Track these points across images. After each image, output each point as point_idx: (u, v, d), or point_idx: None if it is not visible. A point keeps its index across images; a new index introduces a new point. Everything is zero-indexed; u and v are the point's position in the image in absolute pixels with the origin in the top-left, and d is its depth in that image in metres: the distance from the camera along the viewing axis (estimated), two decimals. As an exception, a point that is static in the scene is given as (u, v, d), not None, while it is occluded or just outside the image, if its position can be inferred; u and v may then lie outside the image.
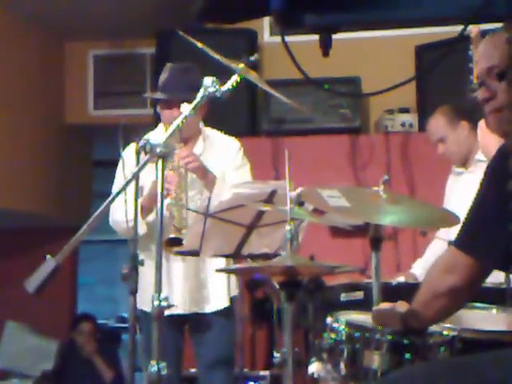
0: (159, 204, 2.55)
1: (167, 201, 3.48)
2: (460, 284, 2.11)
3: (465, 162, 4.23)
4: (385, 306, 2.41)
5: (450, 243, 2.19)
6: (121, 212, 3.36)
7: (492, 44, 2.13)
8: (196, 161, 3.60)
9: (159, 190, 2.55)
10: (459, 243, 2.12)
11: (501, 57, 2.04)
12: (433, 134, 4.30)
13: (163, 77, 3.74)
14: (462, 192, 4.06)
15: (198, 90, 3.55)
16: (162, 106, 3.74)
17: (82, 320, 6.95)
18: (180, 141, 3.57)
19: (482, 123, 2.84)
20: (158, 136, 2.60)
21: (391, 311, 2.32)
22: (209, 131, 3.86)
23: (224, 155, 3.79)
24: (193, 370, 4.15)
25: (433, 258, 4.30)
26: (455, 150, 4.22)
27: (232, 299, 3.79)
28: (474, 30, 2.78)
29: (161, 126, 3.81)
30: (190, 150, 3.71)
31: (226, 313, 3.76)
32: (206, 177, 3.64)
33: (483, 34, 2.68)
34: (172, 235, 3.45)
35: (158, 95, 3.74)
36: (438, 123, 4.26)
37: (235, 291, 3.79)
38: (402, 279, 4.18)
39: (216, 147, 3.81)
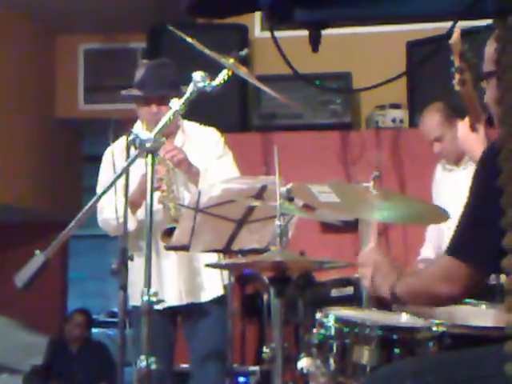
0: (149, 198, 2.55)
1: (158, 194, 3.48)
2: (457, 292, 2.08)
3: (459, 160, 4.22)
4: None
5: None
6: (109, 210, 3.35)
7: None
8: (181, 153, 3.60)
9: (149, 184, 2.55)
10: (453, 251, 2.09)
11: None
12: (429, 133, 4.25)
13: (139, 74, 3.73)
14: (453, 189, 4.06)
15: (174, 86, 3.58)
16: (140, 103, 3.72)
17: (76, 312, 6.98)
18: (162, 135, 3.58)
19: (462, 123, 2.85)
20: (144, 131, 2.59)
21: (381, 274, 2.27)
22: (187, 124, 3.86)
23: (205, 146, 3.79)
24: (185, 366, 4.15)
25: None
26: (452, 149, 4.19)
27: (225, 287, 3.79)
28: (454, 35, 2.79)
29: (139, 122, 3.80)
30: (172, 143, 3.70)
31: (220, 301, 3.76)
32: (190, 170, 3.63)
33: (469, 32, 2.70)
34: (169, 225, 3.44)
35: (135, 92, 3.72)
36: (434, 122, 4.21)
37: (227, 279, 3.79)
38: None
39: (196, 139, 3.81)
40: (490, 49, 2.15)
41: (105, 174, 3.75)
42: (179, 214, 3.45)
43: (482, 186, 2.02)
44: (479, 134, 2.74)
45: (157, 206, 3.40)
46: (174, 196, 3.53)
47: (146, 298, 2.49)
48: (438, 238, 4.29)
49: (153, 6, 6.23)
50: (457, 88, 2.77)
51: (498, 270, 2.21)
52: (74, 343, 6.77)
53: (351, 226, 4.43)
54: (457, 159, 4.21)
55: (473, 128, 2.76)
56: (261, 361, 3.85)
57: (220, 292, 3.78)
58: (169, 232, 3.42)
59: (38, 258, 2.23)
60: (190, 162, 3.63)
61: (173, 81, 3.65)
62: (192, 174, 3.64)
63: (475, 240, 2.05)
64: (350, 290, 4.25)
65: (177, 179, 3.61)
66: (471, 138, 2.76)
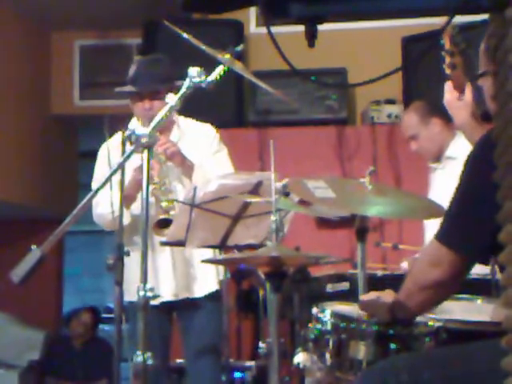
0: (144, 192, 2.55)
1: (150, 187, 3.48)
2: (444, 278, 2.11)
3: (438, 158, 4.25)
4: (372, 294, 2.42)
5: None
6: (104, 205, 3.35)
7: None
8: (174, 146, 3.61)
9: (144, 180, 2.55)
10: (441, 237, 2.11)
11: None
12: (405, 131, 4.33)
13: (132, 70, 3.74)
14: (434, 188, 4.10)
15: (167, 81, 3.59)
16: (133, 99, 3.73)
17: (85, 310, 6.96)
18: (158, 131, 3.58)
19: (447, 88, 2.81)
20: (140, 127, 2.60)
21: (378, 301, 2.33)
22: (182, 120, 3.86)
23: (200, 142, 3.79)
24: (180, 361, 4.15)
25: None
26: (427, 147, 4.23)
27: (221, 282, 3.79)
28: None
29: (135, 118, 3.80)
30: (167, 137, 3.70)
31: (215, 297, 3.76)
32: (183, 163, 3.64)
33: (464, 27, 2.68)
34: (161, 216, 3.44)
35: (129, 88, 3.73)
36: (411, 120, 4.28)
37: (222, 275, 3.79)
38: (405, 265, 4.19)
39: (191, 135, 3.81)
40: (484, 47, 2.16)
41: (100, 170, 3.75)
42: (171, 206, 3.45)
43: (474, 177, 2.03)
44: (465, 99, 2.71)
45: (149, 200, 3.40)
46: (166, 189, 3.53)
47: (142, 293, 2.49)
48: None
49: (148, 1, 6.22)
50: (447, 71, 2.73)
51: (484, 261, 2.23)
52: (77, 339, 6.77)
53: (347, 222, 4.41)
54: (435, 157, 4.24)
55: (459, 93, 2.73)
56: (257, 356, 3.85)
57: (215, 287, 3.78)
58: (160, 223, 3.43)
59: (35, 253, 2.23)
60: (184, 155, 3.63)
61: (165, 75, 3.65)
62: (186, 167, 3.64)
63: (461, 229, 2.08)
64: (345, 285, 4.25)
65: (170, 173, 3.61)
66: (457, 104, 2.73)
